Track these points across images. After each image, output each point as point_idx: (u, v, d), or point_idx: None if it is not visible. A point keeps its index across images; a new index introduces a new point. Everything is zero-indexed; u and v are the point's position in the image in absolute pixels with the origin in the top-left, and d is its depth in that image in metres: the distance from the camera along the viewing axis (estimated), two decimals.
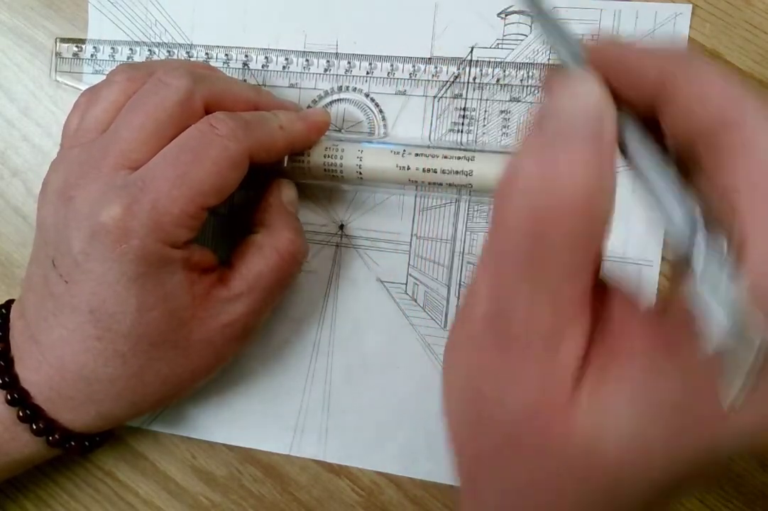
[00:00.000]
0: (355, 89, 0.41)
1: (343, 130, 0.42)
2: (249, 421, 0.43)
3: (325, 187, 0.42)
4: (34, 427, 0.35)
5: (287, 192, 0.39)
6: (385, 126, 0.41)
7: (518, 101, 0.40)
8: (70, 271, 0.33)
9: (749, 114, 0.20)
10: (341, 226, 0.42)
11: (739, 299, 0.18)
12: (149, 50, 0.43)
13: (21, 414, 0.35)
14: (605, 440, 0.20)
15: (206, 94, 0.35)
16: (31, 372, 0.35)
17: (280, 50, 0.42)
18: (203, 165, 0.33)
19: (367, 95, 0.41)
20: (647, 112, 0.22)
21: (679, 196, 0.21)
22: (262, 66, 0.42)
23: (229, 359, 0.38)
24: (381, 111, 0.41)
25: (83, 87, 0.40)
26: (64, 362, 0.34)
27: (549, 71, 0.26)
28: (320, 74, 0.42)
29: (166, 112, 0.34)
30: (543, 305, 0.21)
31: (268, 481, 0.43)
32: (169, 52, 0.43)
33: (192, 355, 0.35)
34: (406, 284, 0.41)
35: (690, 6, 0.38)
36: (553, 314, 0.21)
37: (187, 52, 0.43)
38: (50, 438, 0.36)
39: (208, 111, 0.35)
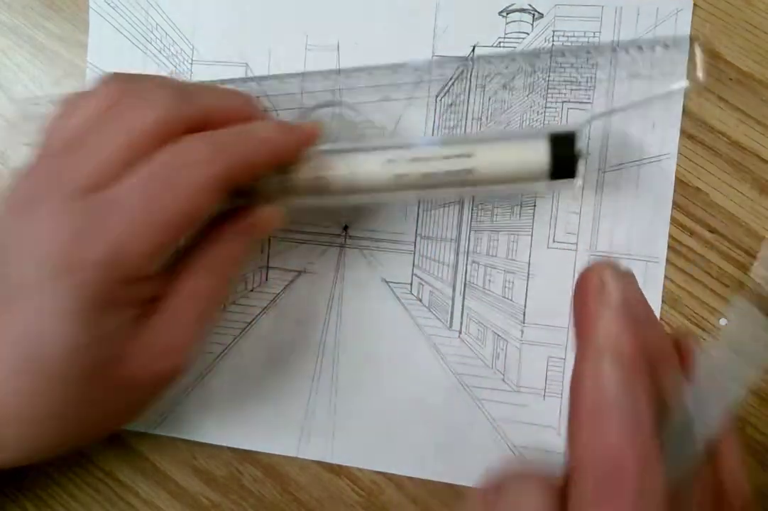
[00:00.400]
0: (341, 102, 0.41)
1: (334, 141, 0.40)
2: (255, 424, 0.43)
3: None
4: None
5: (264, 221, 0.35)
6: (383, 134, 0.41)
7: (519, 100, 0.40)
8: (7, 297, 0.30)
9: None
10: (345, 228, 0.42)
11: None
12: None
13: None
14: None
15: (192, 112, 0.32)
16: None
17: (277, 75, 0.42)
18: (176, 193, 0.30)
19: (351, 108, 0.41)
20: None
21: None
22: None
23: (163, 390, 0.34)
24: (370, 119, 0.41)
25: None
26: None
27: None
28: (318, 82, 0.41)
29: (141, 131, 0.31)
30: None
31: (268, 481, 0.43)
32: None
33: (121, 387, 0.32)
34: (411, 284, 0.41)
35: (691, 1, 0.38)
36: None
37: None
38: None
39: (194, 130, 0.32)
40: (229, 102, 0.34)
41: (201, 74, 0.43)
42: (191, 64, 0.43)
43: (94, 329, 0.30)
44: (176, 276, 0.33)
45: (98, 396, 0.32)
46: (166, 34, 0.43)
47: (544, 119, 0.39)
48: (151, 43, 0.43)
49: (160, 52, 0.43)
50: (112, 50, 0.44)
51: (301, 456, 0.42)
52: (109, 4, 0.44)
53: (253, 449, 0.43)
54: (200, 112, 0.32)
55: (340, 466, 0.42)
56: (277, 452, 0.42)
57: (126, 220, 0.29)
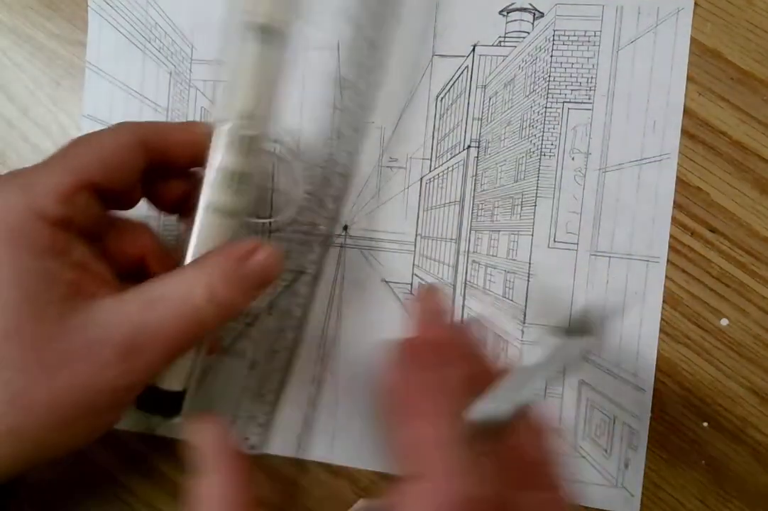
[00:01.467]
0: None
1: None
2: (255, 426, 0.42)
3: (327, 188, 0.41)
4: None
5: (264, 259, 0.33)
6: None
7: (520, 100, 0.39)
8: None
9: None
10: (345, 227, 0.41)
11: None
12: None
13: None
14: None
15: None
16: None
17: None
18: (86, 145, 0.32)
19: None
20: None
21: None
22: None
23: (106, 402, 0.30)
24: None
25: None
26: None
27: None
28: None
29: None
30: None
31: (268, 481, 0.42)
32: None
33: (54, 371, 0.28)
34: (411, 284, 0.41)
35: (692, 1, 0.37)
36: None
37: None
38: None
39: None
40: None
41: (200, 73, 0.42)
42: (190, 63, 0.42)
43: (10, 264, 0.28)
44: (158, 276, 0.32)
45: (23, 357, 0.28)
46: (165, 33, 0.42)
47: (544, 119, 0.39)
48: (150, 42, 0.43)
49: (159, 51, 0.42)
50: (111, 49, 0.43)
51: (300, 457, 0.42)
52: (108, 3, 0.43)
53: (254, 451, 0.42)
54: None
55: (339, 466, 0.41)
56: (277, 453, 0.42)
57: (42, 163, 0.31)
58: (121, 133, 0.33)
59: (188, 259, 0.33)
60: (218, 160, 0.34)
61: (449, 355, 0.30)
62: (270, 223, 0.41)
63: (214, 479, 0.30)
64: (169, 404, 0.34)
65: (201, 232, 0.34)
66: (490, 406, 0.27)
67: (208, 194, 0.34)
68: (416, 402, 0.28)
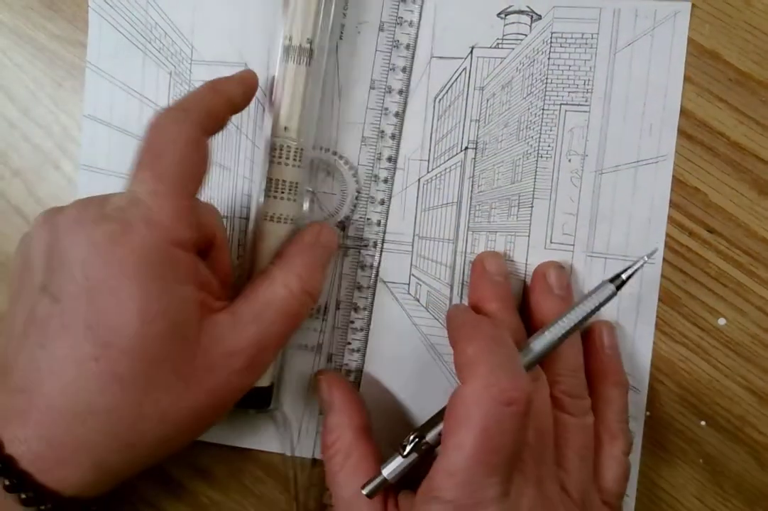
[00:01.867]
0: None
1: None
2: (252, 423, 0.42)
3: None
4: (23, 496, 0.30)
5: (326, 236, 0.37)
6: (358, 190, 0.40)
7: (517, 102, 0.39)
8: (63, 286, 0.30)
9: (471, 378, 0.30)
10: (344, 228, 0.41)
11: None
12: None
13: (7, 483, 0.30)
14: None
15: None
16: (17, 429, 0.30)
17: None
18: (167, 156, 0.32)
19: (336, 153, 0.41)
20: None
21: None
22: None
23: (231, 402, 0.34)
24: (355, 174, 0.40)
25: None
26: (52, 399, 0.30)
27: None
28: None
29: None
30: None
31: (268, 480, 0.42)
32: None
33: (193, 385, 0.31)
34: (408, 284, 0.40)
35: (689, 4, 0.37)
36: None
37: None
38: (41, 508, 0.30)
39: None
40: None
41: (200, 74, 0.42)
42: (190, 63, 0.42)
43: (161, 296, 0.30)
44: (251, 285, 0.35)
45: (171, 380, 0.31)
46: (165, 33, 0.42)
47: (541, 121, 0.38)
48: (150, 42, 0.42)
49: (159, 51, 0.42)
50: (111, 49, 0.43)
51: (297, 454, 0.41)
52: (108, 3, 0.42)
53: (251, 447, 0.42)
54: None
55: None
56: (273, 450, 0.41)
57: (146, 191, 0.31)
58: (186, 132, 0.33)
59: (258, 267, 0.37)
60: (271, 171, 0.37)
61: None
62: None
63: (340, 411, 0.37)
64: (260, 398, 0.38)
65: (263, 241, 0.37)
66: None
67: (263, 204, 0.37)
68: (468, 331, 0.33)
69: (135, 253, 0.30)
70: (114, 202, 0.32)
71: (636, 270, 0.34)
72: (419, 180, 0.40)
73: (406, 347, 0.40)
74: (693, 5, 0.37)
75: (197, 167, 0.33)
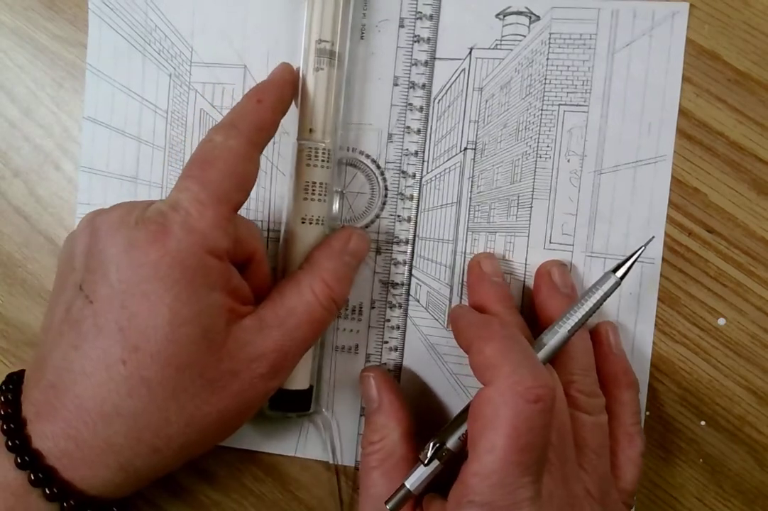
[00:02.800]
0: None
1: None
2: (254, 424, 0.41)
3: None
4: (47, 492, 0.30)
5: (356, 242, 0.36)
6: (386, 188, 0.40)
7: (516, 102, 0.38)
8: (97, 287, 0.30)
9: (496, 378, 0.30)
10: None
11: None
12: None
13: (32, 477, 0.30)
14: None
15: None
16: (46, 424, 0.30)
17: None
18: (215, 167, 0.32)
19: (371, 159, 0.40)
20: None
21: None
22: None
23: (256, 406, 0.33)
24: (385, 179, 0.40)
25: None
26: (83, 399, 0.30)
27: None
28: None
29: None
30: None
31: (268, 480, 0.41)
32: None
33: (218, 390, 0.31)
34: (408, 284, 0.39)
35: (687, 5, 0.36)
36: None
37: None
38: (65, 504, 0.30)
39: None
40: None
41: (200, 76, 0.41)
42: (190, 65, 0.41)
43: (191, 301, 0.30)
44: (277, 289, 0.34)
45: (197, 385, 0.30)
46: (165, 36, 0.41)
47: (540, 122, 0.38)
48: (150, 44, 0.41)
49: (159, 53, 0.41)
50: (111, 52, 0.42)
51: (300, 456, 0.41)
52: (108, 5, 0.42)
53: (253, 448, 0.41)
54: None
55: (339, 465, 0.40)
56: (277, 452, 0.41)
57: (191, 198, 0.31)
58: (238, 147, 0.33)
59: (291, 269, 0.36)
60: (300, 173, 0.37)
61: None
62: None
63: (388, 412, 0.36)
64: (300, 401, 0.38)
65: (295, 243, 0.37)
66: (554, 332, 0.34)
67: (294, 207, 0.37)
68: (480, 331, 0.33)
69: (169, 256, 0.30)
70: (156, 207, 0.31)
71: (636, 258, 0.34)
72: (421, 181, 0.39)
73: (404, 347, 0.39)
74: (692, 6, 0.36)
75: (244, 180, 0.33)
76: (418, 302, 0.39)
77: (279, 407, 0.37)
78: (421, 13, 0.39)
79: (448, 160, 0.39)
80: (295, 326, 0.33)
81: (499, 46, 0.38)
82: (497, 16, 0.38)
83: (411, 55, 0.39)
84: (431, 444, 0.32)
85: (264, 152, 0.35)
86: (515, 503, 0.28)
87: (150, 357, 0.29)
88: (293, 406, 0.38)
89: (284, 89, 0.35)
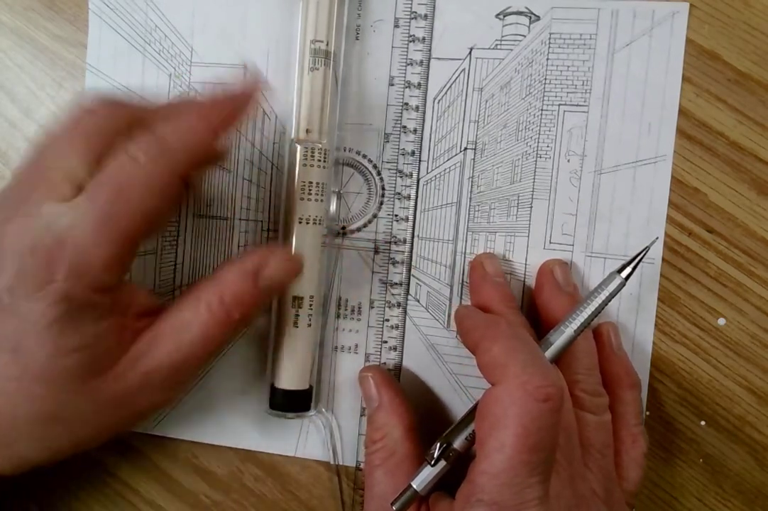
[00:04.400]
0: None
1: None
2: (254, 424, 0.40)
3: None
4: None
5: (275, 268, 0.33)
6: (383, 188, 0.39)
7: (516, 102, 0.38)
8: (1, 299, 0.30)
9: (504, 377, 0.29)
10: (343, 228, 0.39)
11: None
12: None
13: None
14: None
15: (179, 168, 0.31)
16: None
17: None
18: (128, 199, 0.29)
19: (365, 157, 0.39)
20: None
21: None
22: None
23: (153, 414, 0.35)
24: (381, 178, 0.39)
25: None
26: None
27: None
28: None
29: (87, 137, 0.31)
30: None
31: (268, 480, 0.40)
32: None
33: (107, 408, 0.31)
34: (408, 284, 0.39)
35: (687, 4, 0.35)
36: None
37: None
38: None
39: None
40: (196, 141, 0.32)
41: (200, 76, 0.40)
42: (190, 65, 0.40)
43: (76, 335, 0.30)
44: (177, 301, 0.33)
45: (86, 401, 0.31)
46: (165, 36, 0.40)
47: (540, 122, 0.37)
48: (150, 44, 0.41)
49: (159, 53, 0.41)
50: (111, 52, 0.41)
51: (300, 456, 0.40)
52: (108, 5, 0.41)
53: (252, 448, 0.40)
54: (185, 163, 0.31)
55: (339, 465, 0.40)
56: (277, 452, 0.40)
57: (89, 233, 0.29)
58: (162, 181, 0.30)
59: None
60: (298, 173, 0.36)
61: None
62: (344, 226, 0.40)
63: (389, 409, 0.36)
64: (300, 402, 0.37)
65: (294, 243, 0.36)
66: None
67: (291, 206, 0.36)
68: (486, 331, 0.32)
69: (52, 297, 0.29)
70: (49, 235, 0.29)
71: (641, 259, 0.33)
72: (419, 181, 0.39)
73: (404, 347, 0.39)
74: (692, 6, 0.35)
75: (162, 219, 0.32)
76: (418, 301, 0.39)
77: (279, 408, 0.37)
78: (416, 12, 0.38)
79: (448, 160, 0.38)
80: (188, 342, 0.32)
81: (499, 46, 0.38)
82: (497, 16, 0.38)
83: (406, 55, 0.38)
84: (438, 444, 0.32)
85: (263, 151, 0.34)
86: (523, 502, 0.28)
87: (37, 379, 0.30)
88: (293, 406, 0.37)
89: (237, 110, 0.32)
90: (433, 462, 0.32)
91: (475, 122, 0.38)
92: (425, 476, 0.32)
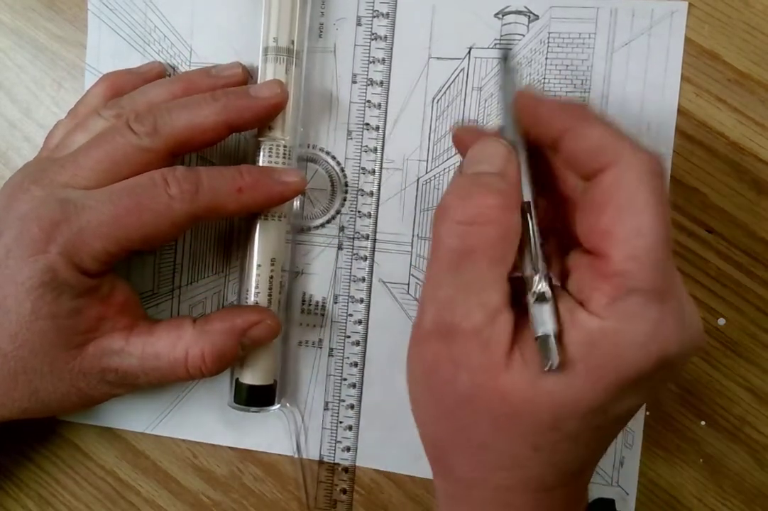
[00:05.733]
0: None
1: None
2: (254, 424, 0.40)
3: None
4: None
5: (261, 331, 0.35)
6: (346, 184, 0.39)
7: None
8: None
9: (620, 157, 0.26)
10: (342, 228, 0.39)
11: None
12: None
13: None
14: (539, 395, 0.25)
15: (169, 140, 0.33)
16: None
17: None
18: (140, 216, 0.31)
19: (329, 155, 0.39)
20: (553, 148, 0.29)
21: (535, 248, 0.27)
22: None
23: (100, 401, 0.36)
24: (343, 170, 0.39)
25: None
26: None
27: (458, 130, 0.33)
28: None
29: (124, 157, 0.33)
30: (474, 307, 0.26)
31: (268, 480, 0.40)
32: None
33: (64, 382, 0.33)
34: (408, 284, 0.39)
35: (686, 3, 0.35)
36: (483, 312, 0.26)
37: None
38: None
39: (175, 150, 0.34)
40: (202, 117, 0.34)
41: None
42: (189, 66, 0.40)
43: (52, 303, 0.32)
44: (163, 325, 0.35)
45: (44, 371, 0.33)
46: (165, 36, 0.40)
47: None
48: (149, 45, 0.40)
49: (158, 54, 0.40)
50: (110, 52, 0.41)
51: (300, 456, 0.40)
52: (107, 5, 0.41)
53: (252, 448, 0.40)
54: (177, 135, 0.33)
55: (336, 464, 0.39)
56: (277, 452, 0.40)
57: (93, 224, 0.31)
58: (181, 220, 0.33)
59: (251, 264, 0.36)
60: None
61: None
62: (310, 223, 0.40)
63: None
64: (264, 397, 0.37)
65: (256, 238, 0.36)
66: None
67: None
68: (578, 113, 0.28)
69: (42, 264, 0.31)
70: (62, 202, 0.32)
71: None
72: (418, 180, 0.38)
73: (404, 346, 0.38)
74: (692, 6, 0.35)
75: (159, 241, 0.34)
76: (418, 301, 0.38)
77: (242, 402, 0.37)
78: (378, 11, 0.38)
79: (448, 159, 0.38)
80: (152, 368, 0.33)
81: (498, 46, 0.37)
82: (496, 15, 0.37)
83: (369, 53, 0.38)
84: (537, 279, 0.27)
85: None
86: (672, 286, 0.25)
87: (9, 337, 0.32)
88: (257, 401, 0.37)
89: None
90: (542, 298, 0.26)
91: (475, 122, 0.38)
92: (545, 315, 0.26)
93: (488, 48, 0.37)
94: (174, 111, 0.33)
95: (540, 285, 0.26)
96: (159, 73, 0.39)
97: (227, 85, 0.36)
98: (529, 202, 0.28)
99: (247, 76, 0.38)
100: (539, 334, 0.25)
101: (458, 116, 0.38)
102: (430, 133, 0.38)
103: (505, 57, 0.32)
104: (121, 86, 0.37)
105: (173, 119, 0.33)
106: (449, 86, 0.38)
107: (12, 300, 0.31)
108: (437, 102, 0.38)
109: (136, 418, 0.41)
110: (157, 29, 0.40)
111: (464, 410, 0.27)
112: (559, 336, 0.25)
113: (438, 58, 0.38)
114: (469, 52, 0.38)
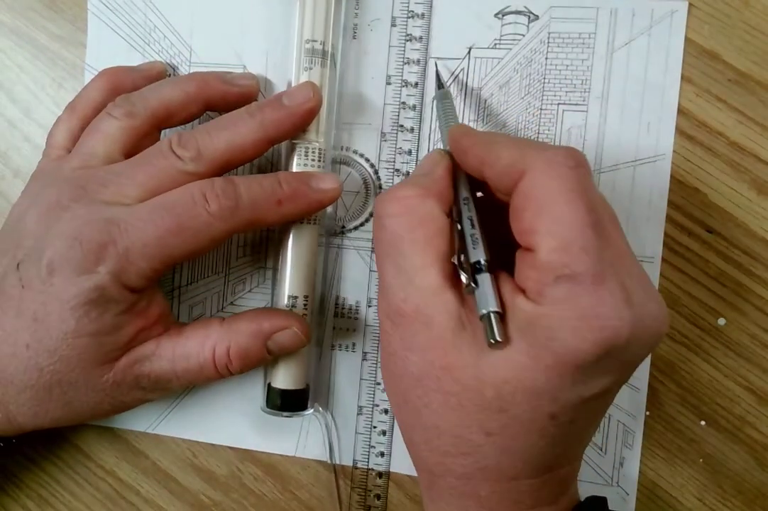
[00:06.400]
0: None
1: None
2: (254, 424, 0.40)
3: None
4: None
5: (286, 338, 0.34)
6: (380, 186, 0.39)
7: (515, 102, 0.37)
8: (31, 278, 0.32)
9: (528, 163, 0.27)
10: (342, 228, 0.39)
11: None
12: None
13: None
14: (483, 372, 0.27)
15: (214, 164, 0.33)
16: None
17: None
18: (182, 236, 0.32)
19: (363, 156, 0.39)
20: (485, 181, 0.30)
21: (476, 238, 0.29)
22: None
23: (131, 407, 0.36)
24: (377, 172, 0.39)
25: None
26: None
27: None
28: None
29: (169, 179, 0.33)
30: (411, 290, 0.28)
31: (268, 480, 0.40)
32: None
33: (98, 393, 0.33)
34: None
35: (686, 3, 0.35)
36: (419, 294, 0.28)
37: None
38: None
39: (218, 172, 0.34)
40: (239, 131, 0.34)
41: None
42: (189, 66, 0.40)
43: (97, 319, 0.32)
44: (191, 327, 0.35)
45: (80, 383, 0.33)
46: (164, 36, 0.40)
47: (539, 121, 0.37)
48: (149, 45, 0.40)
49: (158, 54, 0.40)
50: (110, 52, 0.41)
51: (300, 456, 0.39)
52: (107, 6, 0.40)
53: (253, 448, 0.40)
54: (215, 165, 0.33)
55: (339, 465, 0.39)
56: (276, 452, 0.40)
57: (138, 245, 0.31)
58: (220, 234, 0.33)
59: (286, 268, 0.36)
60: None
61: None
62: (344, 226, 0.39)
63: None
64: (297, 401, 0.37)
65: (291, 242, 0.36)
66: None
67: None
68: (491, 139, 0.30)
69: (92, 282, 0.31)
70: (108, 222, 0.32)
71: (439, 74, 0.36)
72: None
73: None
74: (692, 6, 0.35)
75: (199, 254, 0.35)
76: None
77: (275, 407, 0.36)
78: (413, 12, 0.38)
79: None
80: (183, 369, 0.34)
81: (497, 46, 0.37)
82: (496, 15, 0.37)
83: (404, 54, 0.38)
84: (464, 267, 0.28)
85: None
86: (610, 267, 0.25)
87: (47, 352, 0.32)
88: (290, 406, 0.37)
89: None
90: (474, 283, 0.28)
91: (475, 122, 0.38)
92: (488, 295, 0.27)
93: (488, 48, 0.37)
94: (213, 132, 0.33)
95: (478, 265, 0.28)
96: (160, 71, 0.39)
97: (241, 95, 0.36)
98: (467, 197, 0.30)
99: (259, 88, 0.38)
100: (483, 312, 0.27)
101: (458, 116, 0.38)
102: (429, 134, 0.38)
103: (440, 85, 0.36)
104: (120, 82, 0.37)
105: (214, 142, 0.33)
106: (449, 86, 0.38)
107: (55, 317, 0.31)
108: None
109: (136, 418, 0.41)
110: (157, 29, 0.40)
111: (417, 390, 0.28)
112: (503, 317, 0.27)
113: (438, 58, 0.38)
114: (469, 52, 0.37)
